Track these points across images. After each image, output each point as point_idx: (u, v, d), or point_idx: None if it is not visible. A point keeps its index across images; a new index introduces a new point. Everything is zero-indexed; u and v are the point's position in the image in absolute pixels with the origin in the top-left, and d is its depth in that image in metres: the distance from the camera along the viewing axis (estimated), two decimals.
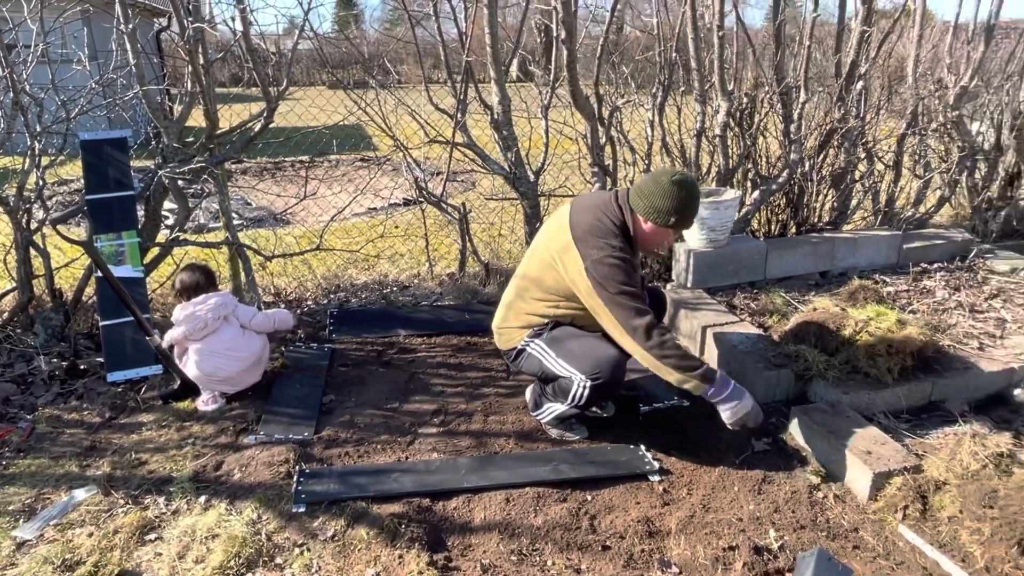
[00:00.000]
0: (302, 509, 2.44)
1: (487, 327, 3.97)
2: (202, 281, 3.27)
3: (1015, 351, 3.32)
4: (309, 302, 4.46)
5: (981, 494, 2.32)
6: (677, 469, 2.76)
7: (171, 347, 3.20)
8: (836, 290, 3.79)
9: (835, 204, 4.70)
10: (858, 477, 2.59)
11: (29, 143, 3.47)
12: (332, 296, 4.52)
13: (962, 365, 3.20)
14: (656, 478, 2.69)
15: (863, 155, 4.67)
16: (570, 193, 4.78)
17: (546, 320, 2.87)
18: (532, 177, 4.41)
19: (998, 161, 4.96)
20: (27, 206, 3.58)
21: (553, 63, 4.15)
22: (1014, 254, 4.53)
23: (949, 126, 4.79)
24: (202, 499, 2.52)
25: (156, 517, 2.44)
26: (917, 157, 4.91)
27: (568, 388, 2.76)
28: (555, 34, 3.93)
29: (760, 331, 3.54)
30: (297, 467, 2.68)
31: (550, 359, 2.81)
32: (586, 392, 2.73)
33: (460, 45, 4.09)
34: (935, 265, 4.41)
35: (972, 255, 4.48)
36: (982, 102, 5.04)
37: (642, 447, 2.87)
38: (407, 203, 7.56)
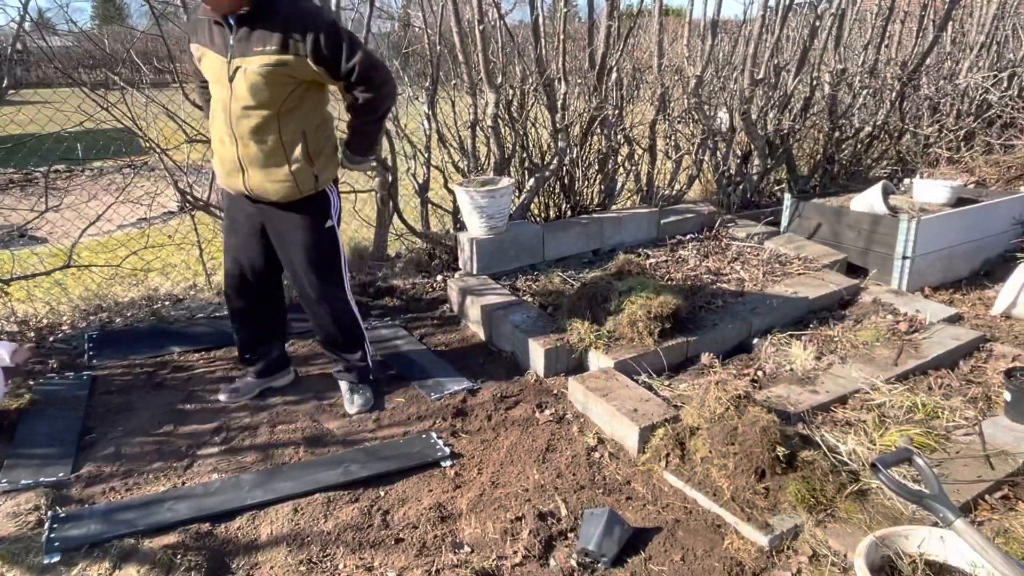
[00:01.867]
0: (56, 559, 2.19)
1: None
2: None
3: (751, 306, 3.82)
4: (65, 327, 3.97)
5: (724, 433, 2.64)
6: (468, 451, 2.84)
7: None
8: (606, 265, 4.10)
9: (603, 187, 5.07)
10: (628, 434, 2.84)
11: None
12: (93, 317, 4.07)
13: (711, 323, 3.63)
14: (448, 463, 2.75)
15: (622, 140, 5.08)
16: (351, 189, 4.70)
17: None
18: None
19: (732, 141, 5.63)
20: None
21: None
22: (750, 222, 5.20)
23: (692, 111, 5.36)
24: None
25: None
26: (668, 140, 5.44)
27: None
28: None
29: (540, 310, 3.74)
30: (50, 512, 2.39)
31: None
32: None
33: None
34: (688, 236, 4.93)
35: (718, 225, 5.06)
36: (717, 89, 5.70)
37: (433, 435, 2.91)
38: (182, 210, 6.99)
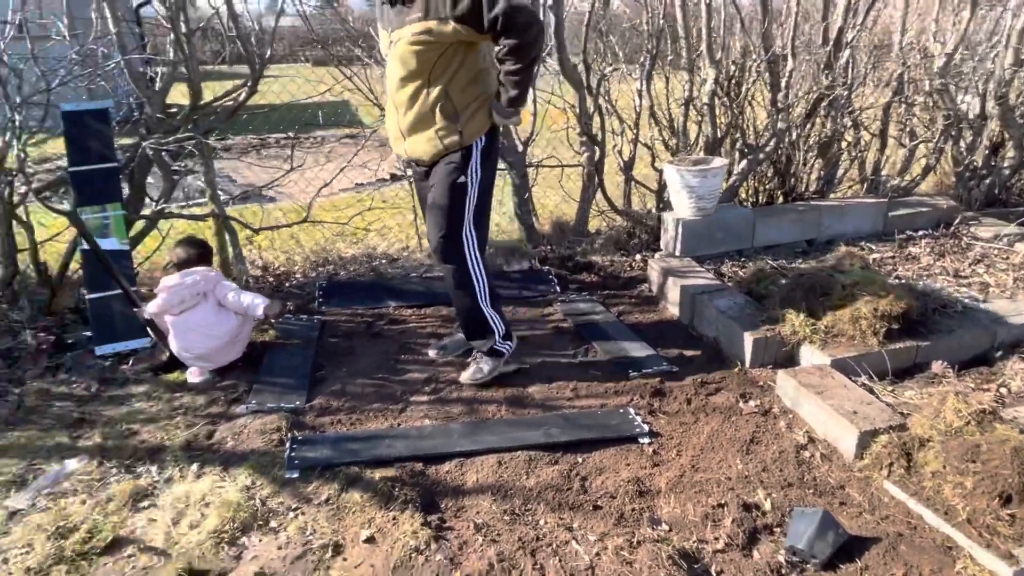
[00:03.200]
0: (295, 475, 2.46)
1: None
2: (194, 256, 3.23)
3: (997, 315, 3.37)
4: (298, 275, 4.44)
5: (964, 449, 2.36)
6: (666, 432, 2.79)
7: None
8: (822, 257, 3.83)
9: (822, 173, 4.72)
10: (844, 436, 2.63)
11: (9, 115, 3.41)
12: (321, 269, 4.51)
13: (946, 328, 3.25)
14: (646, 440, 2.72)
15: (849, 124, 4.68)
16: (559, 163, 4.77)
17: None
18: (520, 147, 4.40)
19: (982, 130, 4.98)
20: (9, 179, 3.52)
21: None
22: (997, 221, 4.58)
23: (935, 95, 4.81)
24: (195, 467, 2.52)
25: (149, 485, 2.45)
26: (903, 126, 4.93)
27: None
28: (542, 1, 3.91)
29: (748, 297, 3.57)
30: (289, 434, 2.69)
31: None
32: None
33: None
34: (920, 232, 4.45)
35: (957, 222, 4.52)
36: (967, 71, 5.05)
37: (631, 411, 2.89)
38: (394, 178, 7.52)
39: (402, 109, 2.77)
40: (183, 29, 3.59)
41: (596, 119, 4.41)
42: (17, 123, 3.41)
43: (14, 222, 3.57)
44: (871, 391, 2.90)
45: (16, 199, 3.56)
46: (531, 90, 2.86)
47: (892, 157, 4.98)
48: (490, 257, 4.41)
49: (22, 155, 3.44)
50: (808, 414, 2.83)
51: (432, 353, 3.37)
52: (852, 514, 2.36)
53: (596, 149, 4.41)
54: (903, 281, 3.68)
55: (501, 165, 4.50)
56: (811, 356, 3.10)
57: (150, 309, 3.14)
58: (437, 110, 2.71)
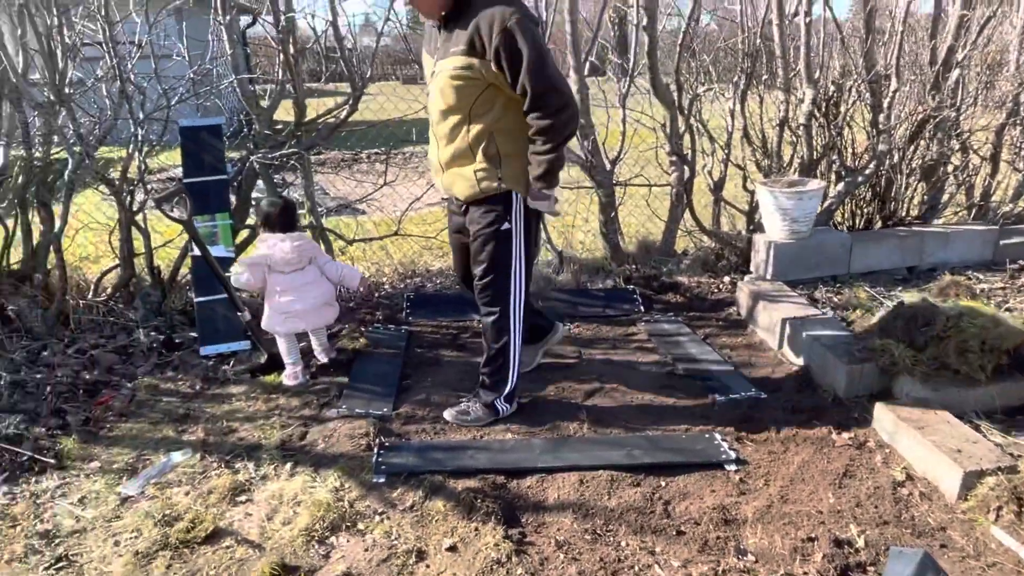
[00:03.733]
0: (382, 480, 2.53)
1: (561, 314, 4.01)
2: (284, 218, 3.26)
3: None
4: (386, 286, 4.58)
5: None
6: (754, 460, 2.72)
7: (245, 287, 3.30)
8: (925, 285, 3.65)
9: (925, 197, 4.51)
10: (947, 475, 2.49)
11: (133, 129, 3.69)
12: (408, 281, 4.64)
13: None
14: (732, 467, 2.66)
15: (957, 147, 4.46)
16: (646, 183, 4.75)
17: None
18: (608, 166, 4.40)
19: None
20: (130, 188, 3.80)
21: (632, 52, 4.13)
22: None
23: None
24: (288, 466, 2.64)
25: (246, 481, 2.57)
26: (1017, 149, 4.65)
27: None
28: (635, 21, 3.92)
29: (843, 324, 3.44)
30: (377, 440, 2.77)
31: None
32: None
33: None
34: None
35: None
36: None
37: (717, 436, 2.83)
38: None
39: (442, 142, 2.67)
40: (291, 51, 3.79)
41: (686, 138, 4.37)
42: (140, 137, 3.69)
43: (133, 228, 3.86)
44: (977, 429, 2.74)
45: (135, 207, 3.84)
46: (562, 172, 2.70)
47: (1005, 182, 4.70)
48: (574, 274, 4.44)
49: (143, 167, 3.71)
50: (906, 450, 2.70)
51: None
52: (954, 558, 2.23)
53: (685, 168, 4.36)
54: (1015, 313, 3.45)
55: (589, 183, 4.54)
56: (911, 389, 2.95)
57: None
58: (480, 150, 2.59)
